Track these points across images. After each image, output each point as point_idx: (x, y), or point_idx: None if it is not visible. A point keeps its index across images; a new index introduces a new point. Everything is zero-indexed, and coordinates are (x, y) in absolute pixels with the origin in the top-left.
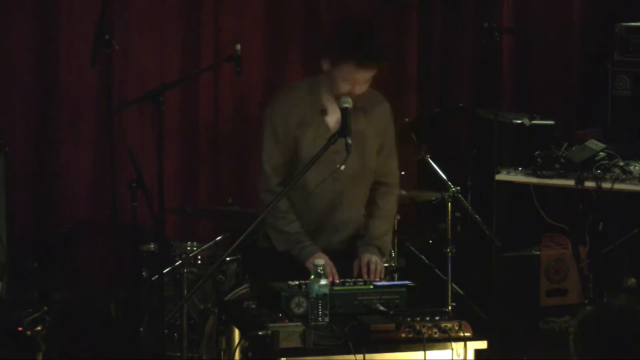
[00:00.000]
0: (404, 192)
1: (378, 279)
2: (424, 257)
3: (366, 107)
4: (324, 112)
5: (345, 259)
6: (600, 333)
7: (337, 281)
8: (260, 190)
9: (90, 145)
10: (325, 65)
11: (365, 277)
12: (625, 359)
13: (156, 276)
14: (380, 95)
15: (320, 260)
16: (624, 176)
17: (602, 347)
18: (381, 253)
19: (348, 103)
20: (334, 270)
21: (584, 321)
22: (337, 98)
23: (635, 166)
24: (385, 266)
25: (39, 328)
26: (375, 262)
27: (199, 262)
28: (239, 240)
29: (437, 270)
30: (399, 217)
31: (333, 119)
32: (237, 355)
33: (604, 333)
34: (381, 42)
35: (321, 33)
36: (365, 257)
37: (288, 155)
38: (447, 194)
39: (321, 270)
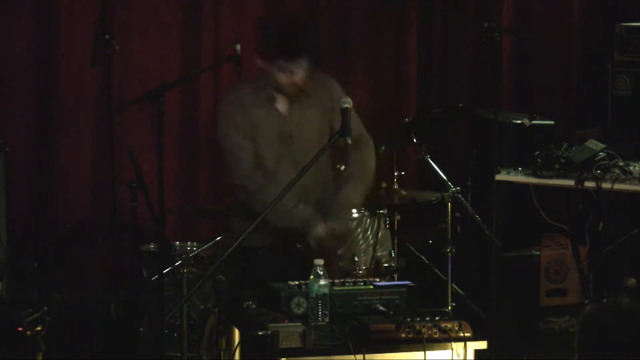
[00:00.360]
0: (403, 192)
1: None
2: (424, 257)
3: (309, 91)
4: (271, 99)
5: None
6: (601, 333)
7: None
8: (234, 177)
9: (90, 145)
10: (259, 63)
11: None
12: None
13: (156, 276)
14: (323, 76)
15: (320, 260)
16: (624, 176)
17: (603, 348)
18: (339, 221)
19: (348, 103)
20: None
21: (585, 321)
22: (280, 89)
23: (635, 166)
24: (385, 266)
25: (39, 328)
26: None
27: (199, 262)
28: (238, 240)
29: (437, 270)
30: (399, 217)
31: (283, 105)
32: (237, 355)
33: (606, 333)
34: (305, 34)
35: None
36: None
37: (251, 142)
38: (447, 194)
39: (321, 270)
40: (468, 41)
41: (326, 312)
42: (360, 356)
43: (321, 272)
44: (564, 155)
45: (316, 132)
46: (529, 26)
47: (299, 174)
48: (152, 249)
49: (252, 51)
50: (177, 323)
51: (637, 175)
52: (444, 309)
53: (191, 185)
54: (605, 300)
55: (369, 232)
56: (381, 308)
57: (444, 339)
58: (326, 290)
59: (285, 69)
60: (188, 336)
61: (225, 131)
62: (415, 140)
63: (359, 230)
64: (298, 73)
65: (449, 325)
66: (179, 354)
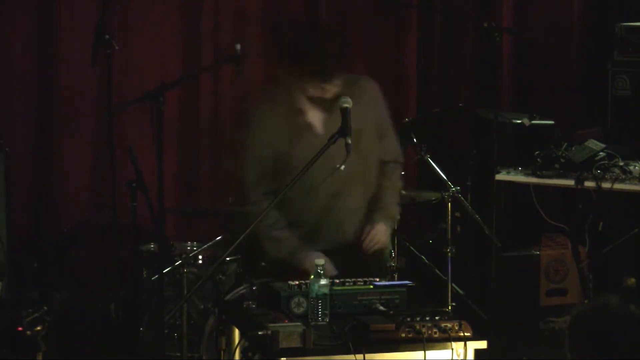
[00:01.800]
0: (403, 192)
1: (375, 247)
2: (424, 257)
3: (353, 95)
4: (301, 112)
5: (352, 253)
6: (591, 333)
7: (336, 281)
8: (244, 204)
9: (90, 145)
10: (291, 72)
11: (367, 243)
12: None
13: (156, 276)
14: (363, 79)
15: (321, 260)
16: (623, 176)
17: (593, 348)
18: (389, 220)
19: (348, 103)
20: (330, 266)
21: (575, 321)
22: (310, 100)
23: (635, 166)
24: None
25: (39, 328)
26: (379, 230)
27: (199, 262)
28: (238, 240)
29: (437, 270)
30: (399, 217)
31: (314, 116)
32: (237, 355)
33: (595, 334)
34: (334, 55)
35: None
36: (372, 223)
37: (270, 164)
38: (447, 194)
39: (321, 270)
40: (468, 41)
41: (326, 312)
42: (360, 356)
43: (321, 272)
44: (564, 155)
45: (360, 140)
46: (529, 26)
47: (297, 176)
48: (152, 249)
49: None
50: (177, 323)
51: (637, 175)
52: (444, 309)
53: (191, 185)
54: (593, 300)
55: None
56: (381, 308)
57: (444, 339)
58: (326, 290)
59: (316, 86)
60: (188, 336)
61: (250, 140)
62: (415, 140)
63: None
64: (330, 90)
65: (449, 325)
66: (179, 354)
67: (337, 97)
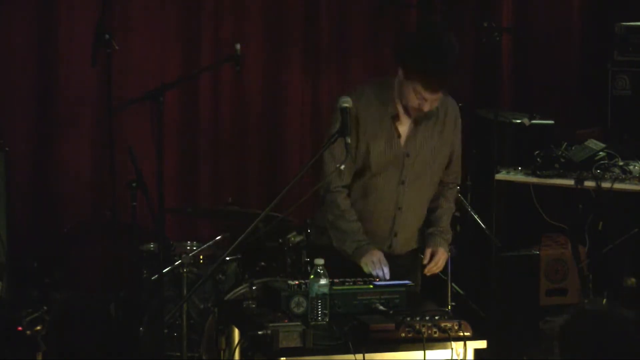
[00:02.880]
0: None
1: (436, 271)
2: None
3: (438, 114)
4: (395, 118)
5: (395, 263)
6: (579, 337)
7: (378, 280)
8: (325, 191)
9: (90, 145)
10: (400, 73)
11: (430, 267)
12: None
13: (156, 276)
14: (451, 100)
15: (320, 260)
16: (623, 176)
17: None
18: (448, 244)
19: (348, 103)
20: (386, 269)
21: (565, 325)
22: (405, 108)
23: (635, 166)
24: None
25: (39, 328)
26: (442, 254)
27: (199, 262)
28: (238, 240)
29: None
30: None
31: (404, 126)
32: (237, 355)
33: (581, 339)
34: (451, 67)
35: (399, 37)
36: (436, 247)
37: (355, 162)
38: None
39: (321, 270)
40: (468, 41)
41: (326, 311)
42: (360, 356)
43: (321, 272)
44: (563, 154)
45: (430, 154)
46: (529, 26)
47: (301, 171)
48: (152, 249)
49: (392, 56)
50: (177, 323)
51: (637, 175)
52: (444, 309)
53: (191, 185)
54: (582, 304)
55: None
56: (381, 308)
57: (443, 339)
58: (326, 290)
59: (420, 95)
60: (188, 336)
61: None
62: None
63: None
64: (431, 103)
65: (449, 325)
66: (179, 354)
67: (428, 113)
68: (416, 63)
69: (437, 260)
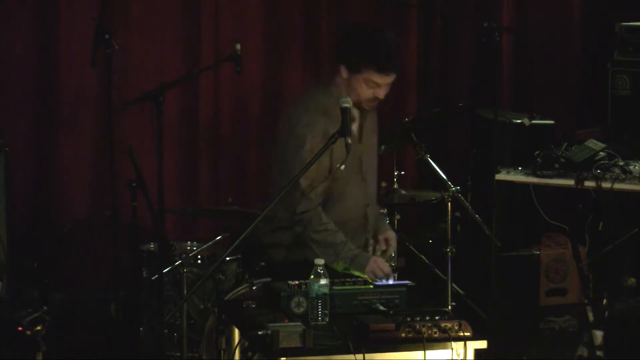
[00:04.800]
0: (403, 192)
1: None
2: (424, 257)
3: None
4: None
5: None
6: (627, 332)
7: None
8: (301, 211)
9: (90, 145)
10: (344, 73)
11: (387, 251)
12: None
13: (156, 276)
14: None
15: (320, 260)
16: (623, 176)
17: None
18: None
19: (348, 103)
20: (392, 275)
21: (610, 321)
22: (359, 104)
23: (635, 166)
24: None
25: (39, 328)
26: (393, 236)
27: (199, 262)
28: (238, 240)
29: (437, 270)
30: (399, 216)
31: (355, 123)
32: (237, 355)
33: (631, 332)
34: (397, 47)
35: (337, 39)
36: (385, 231)
37: (328, 180)
38: (447, 194)
39: (321, 270)
40: (468, 41)
41: (326, 311)
42: (360, 356)
43: (321, 272)
44: (563, 155)
45: (375, 142)
46: (529, 26)
47: (298, 175)
48: (152, 249)
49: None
50: (177, 323)
51: (637, 175)
52: (444, 309)
53: (191, 185)
54: (627, 299)
55: None
56: (381, 308)
57: (443, 339)
58: (326, 290)
59: (372, 82)
60: (188, 336)
61: (304, 161)
62: (415, 140)
63: None
64: (385, 89)
65: (449, 325)
66: (179, 354)
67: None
68: (362, 51)
69: (393, 243)
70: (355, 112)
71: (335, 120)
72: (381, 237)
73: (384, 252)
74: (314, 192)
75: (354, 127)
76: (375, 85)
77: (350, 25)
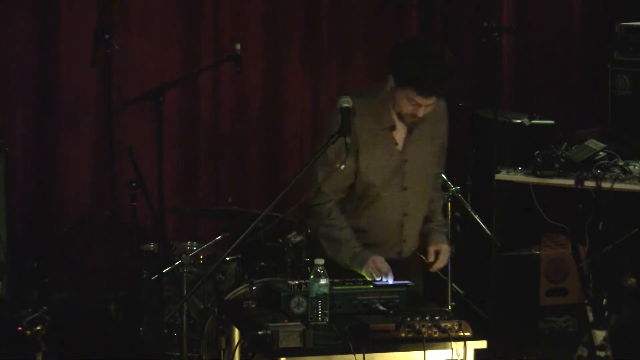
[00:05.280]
0: None
1: (440, 267)
2: (423, 257)
3: (430, 117)
4: (391, 128)
5: (400, 266)
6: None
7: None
8: (314, 204)
9: (90, 145)
10: (391, 82)
11: (437, 265)
12: None
13: (156, 276)
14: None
15: (320, 260)
16: (623, 176)
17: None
18: (446, 238)
19: (348, 103)
20: (390, 275)
21: (620, 325)
22: (400, 117)
23: (635, 166)
24: None
25: (39, 328)
26: (446, 250)
27: (199, 262)
28: (238, 240)
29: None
30: None
31: (400, 133)
32: (237, 355)
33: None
34: (446, 72)
35: (391, 48)
36: (440, 244)
37: (349, 179)
38: (447, 194)
39: (321, 270)
40: (468, 41)
41: (326, 311)
42: (360, 356)
43: (321, 272)
44: (563, 154)
45: (427, 157)
46: (529, 26)
47: (300, 172)
48: (152, 249)
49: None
50: (177, 323)
51: (637, 175)
52: (444, 309)
53: (191, 185)
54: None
55: None
56: (381, 307)
57: (443, 339)
58: (326, 290)
59: (413, 100)
60: (188, 336)
61: (327, 159)
62: None
63: None
64: (425, 109)
65: (449, 325)
66: (178, 354)
67: (423, 118)
68: (408, 69)
69: (443, 257)
70: (400, 124)
71: (382, 121)
72: (431, 249)
73: (432, 265)
74: (329, 187)
75: (398, 136)
76: (415, 104)
77: (408, 37)
